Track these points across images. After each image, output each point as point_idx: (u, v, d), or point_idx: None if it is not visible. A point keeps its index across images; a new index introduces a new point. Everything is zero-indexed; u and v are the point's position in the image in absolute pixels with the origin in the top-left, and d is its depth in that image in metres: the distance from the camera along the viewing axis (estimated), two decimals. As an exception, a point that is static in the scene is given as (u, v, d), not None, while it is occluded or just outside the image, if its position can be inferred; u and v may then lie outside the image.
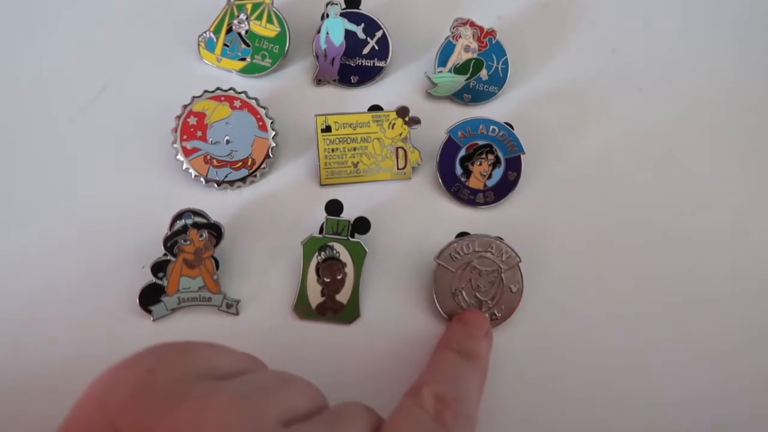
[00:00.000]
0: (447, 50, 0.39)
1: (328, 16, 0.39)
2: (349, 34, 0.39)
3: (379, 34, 0.40)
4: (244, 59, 0.39)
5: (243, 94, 0.37)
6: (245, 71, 0.39)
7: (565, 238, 0.38)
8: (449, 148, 0.38)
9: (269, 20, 0.39)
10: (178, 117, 0.37)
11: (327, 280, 0.35)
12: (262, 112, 0.37)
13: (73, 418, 0.22)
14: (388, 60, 0.40)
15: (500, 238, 0.35)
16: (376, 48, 0.40)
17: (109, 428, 0.21)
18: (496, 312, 0.35)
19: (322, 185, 0.38)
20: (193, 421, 0.21)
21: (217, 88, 0.37)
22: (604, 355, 0.36)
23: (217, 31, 0.39)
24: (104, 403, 0.22)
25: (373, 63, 0.40)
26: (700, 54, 0.42)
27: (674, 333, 0.36)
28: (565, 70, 0.41)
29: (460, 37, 0.39)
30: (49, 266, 0.36)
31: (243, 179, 0.37)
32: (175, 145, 0.37)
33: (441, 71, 0.39)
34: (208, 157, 0.37)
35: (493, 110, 0.40)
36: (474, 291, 0.35)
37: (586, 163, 0.39)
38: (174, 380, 0.22)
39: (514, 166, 0.38)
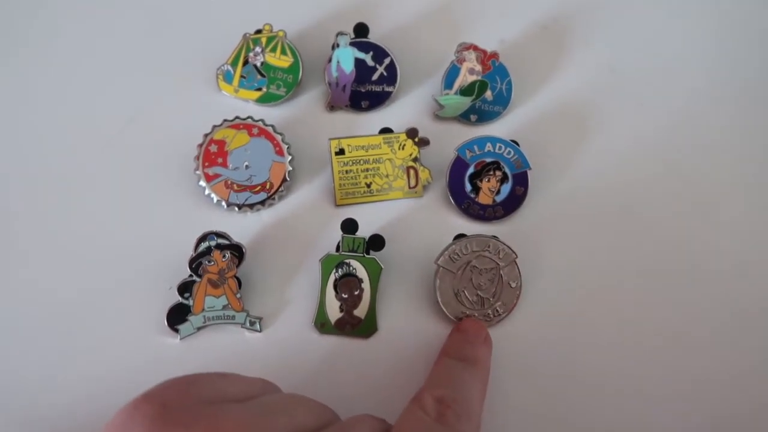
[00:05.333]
0: (452, 74, 0.41)
1: (338, 45, 0.41)
2: (358, 62, 0.41)
3: (387, 60, 0.42)
4: (260, 89, 0.41)
5: (260, 122, 0.39)
6: (262, 100, 0.41)
7: (574, 248, 0.39)
8: (458, 166, 0.39)
9: (283, 52, 0.41)
10: (200, 145, 0.39)
11: (345, 295, 0.37)
12: (279, 138, 0.39)
13: None
14: (397, 85, 0.42)
15: (495, 237, 0.37)
16: (385, 74, 0.42)
17: None
18: (498, 308, 0.36)
19: (337, 205, 0.39)
20: None
21: (236, 117, 0.39)
22: (603, 350, 0.37)
23: (234, 64, 0.41)
24: None
25: (383, 88, 0.42)
26: (696, 65, 0.44)
27: (675, 332, 0.37)
28: (566, 88, 0.43)
29: (464, 60, 0.41)
30: (80, 290, 0.37)
31: (262, 202, 0.39)
32: (197, 172, 0.38)
33: (447, 93, 0.41)
34: (229, 182, 0.39)
35: (498, 129, 0.42)
36: (475, 290, 0.36)
37: (591, 175, 0.41)
38: (186, 409, 0.23)
39: (521, 181, 0.39)
